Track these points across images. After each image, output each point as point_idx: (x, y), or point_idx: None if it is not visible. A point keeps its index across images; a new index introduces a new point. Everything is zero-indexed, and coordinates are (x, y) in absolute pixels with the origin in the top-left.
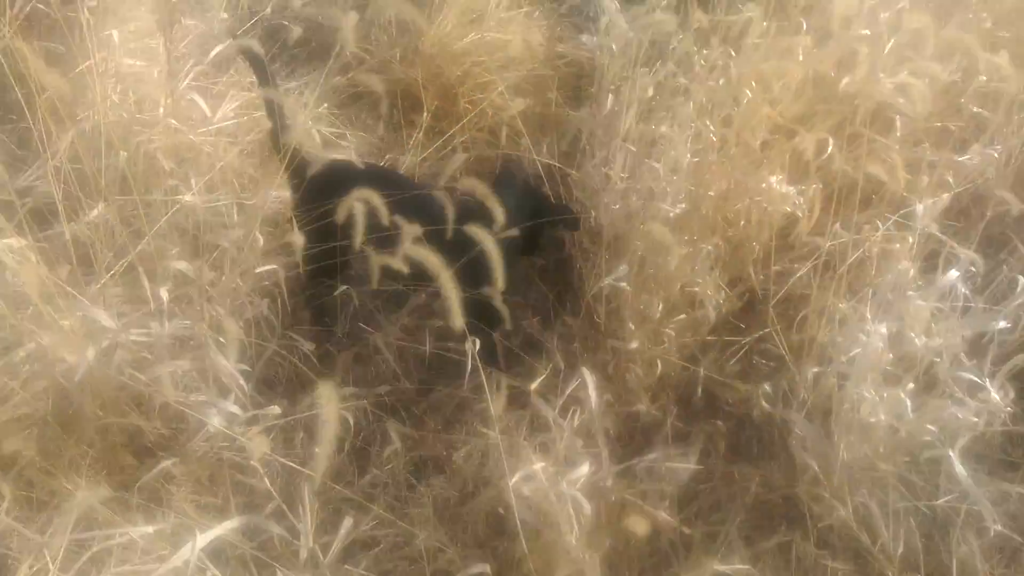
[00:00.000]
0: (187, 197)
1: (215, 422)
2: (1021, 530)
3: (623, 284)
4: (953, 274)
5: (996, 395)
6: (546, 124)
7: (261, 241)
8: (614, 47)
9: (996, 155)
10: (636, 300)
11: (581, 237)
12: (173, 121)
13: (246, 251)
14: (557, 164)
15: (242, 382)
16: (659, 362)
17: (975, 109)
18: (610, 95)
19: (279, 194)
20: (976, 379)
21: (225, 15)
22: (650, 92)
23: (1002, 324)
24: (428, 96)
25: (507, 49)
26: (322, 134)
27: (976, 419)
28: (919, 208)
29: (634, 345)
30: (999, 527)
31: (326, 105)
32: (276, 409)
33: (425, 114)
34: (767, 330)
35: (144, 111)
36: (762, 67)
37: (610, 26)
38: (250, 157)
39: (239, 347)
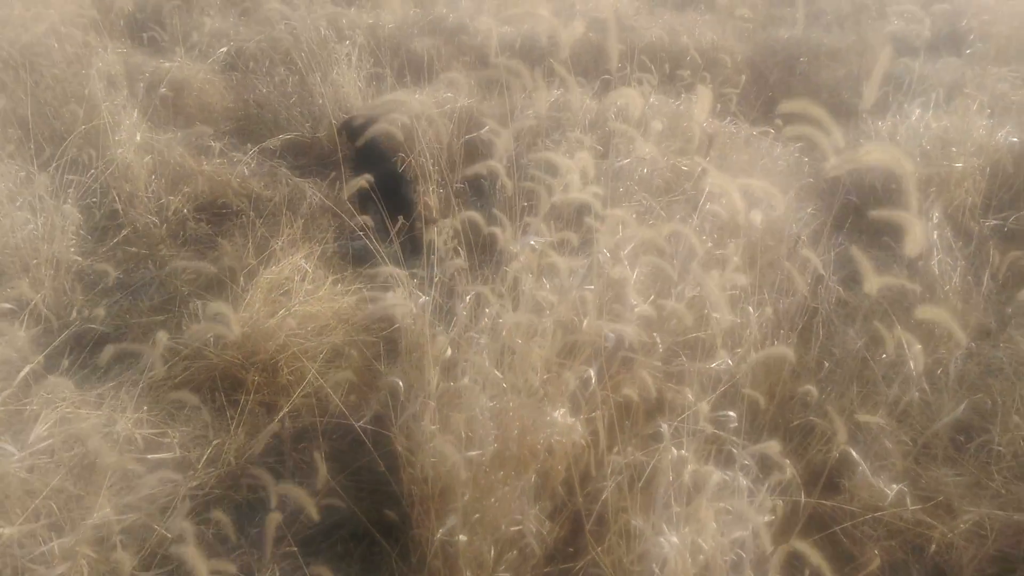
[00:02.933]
0: (3, 530)
1: None
2: None
3: (459, 537)
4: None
5: None
6: (366, 385)
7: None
8: (414, 309)
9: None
10: (470, 549)
11: (411, 487)
12: None
13: None
14: (378, 429)
15: None
16: None
17: (716, 316)
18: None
19: (102, 514)
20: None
21: (22, 333)
22: (448, 352)
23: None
24: (249, 374)
25: (318, 319)
26: (144, 438)
27: None
28: (699, 411)
29: None
30: None
31: (145, 408)
32: None
33: (246, 395)
34: (590, 556)
35: None
36: (523, 319)
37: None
38: (71, 475)
39: None
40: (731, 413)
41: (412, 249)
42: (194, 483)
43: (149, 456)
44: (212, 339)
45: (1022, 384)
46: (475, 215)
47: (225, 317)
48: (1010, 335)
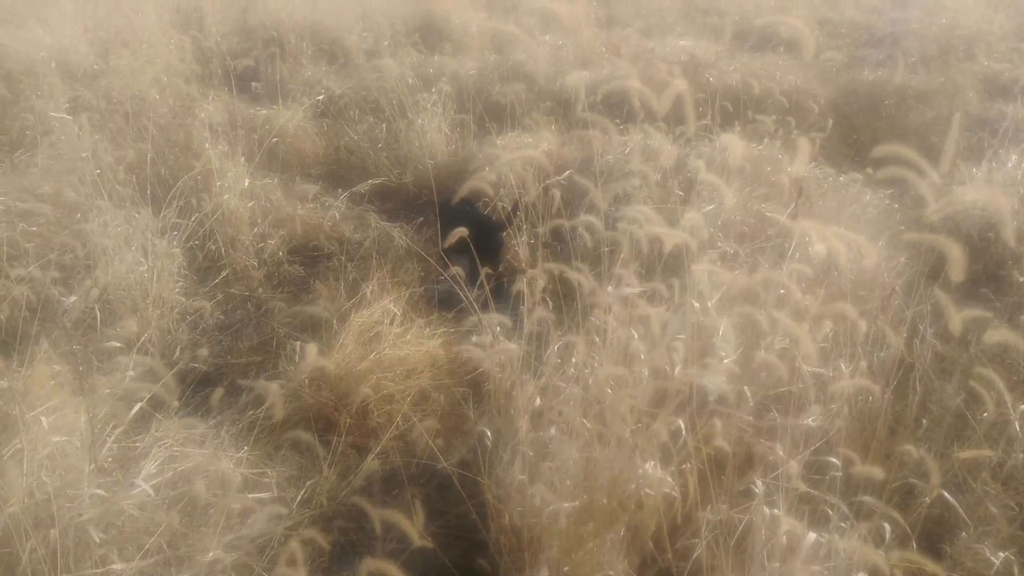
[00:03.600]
0: (117, 566)
1: None
2: None
3: None
4: (811, 536)
5: None
6: (453, 429)
7: None
8: (502, 356)
9: (833, 411)
10: None
11: (499, 536)
12: (99, 491)
13: None
14: (466, 473)
15: None
16: None
17: (810, 369)
18: (504, 398)
19: (213, 553)
20: None
21: (131, 372)
22: (537, 401)
23: None
24: (341, 415)
25: (407, 362)
26: (244, 476)
27: None
28: (789, 469)
29: None
30: None
31: (246, 448)
32: None
33: (338, 436)
34: None
35: (70, 484)
36: (614, 370)
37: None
38: (178, 511)
39: None
40: (833, 459)
41: (500, 297)
42: (289, 523)
43: (249, 495)
44: (307, 380)
45: None
46: (563, 266)
47: (321, 360)
48: None
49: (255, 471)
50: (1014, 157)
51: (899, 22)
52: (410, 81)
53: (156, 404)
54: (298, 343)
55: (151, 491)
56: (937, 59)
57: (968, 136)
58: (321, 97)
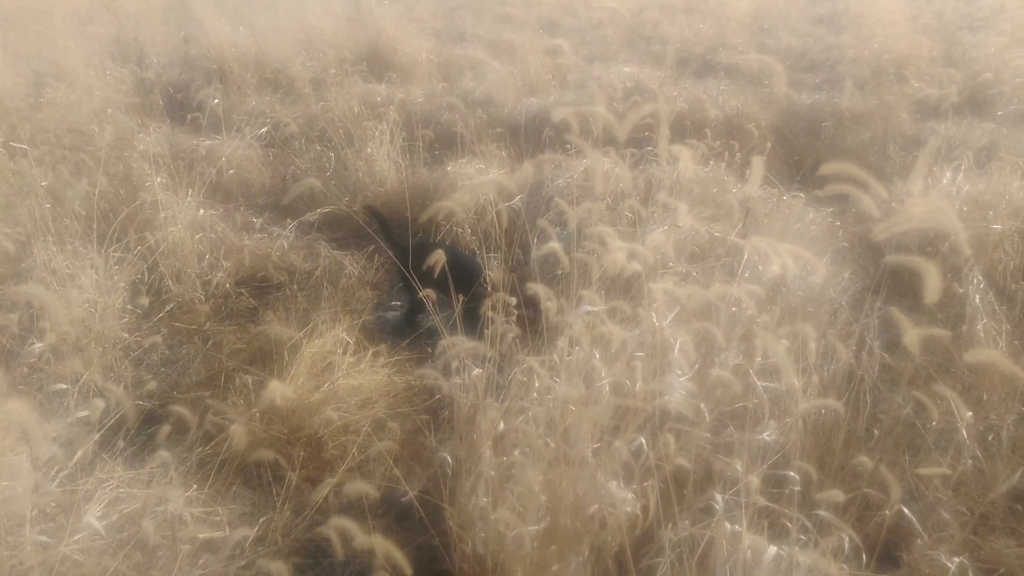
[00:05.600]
0: None
1: None
2: None
3: None
4: (772, 550)
5: None
6: (412, 457)
7: None
8: (459, 381)
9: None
10: None
11: (462, 565)
12: (42, 537)
13: None
14: (428, 498)
15: None
16: None
17: (763, 384)
18: (466, 424)
19: None
20: None
21: (85, 412)
22: (501, 426)
23: None
24: (295, 449)
25: (362, 391)
26: (194, 515)
27: None
28: (748, 483)
29: None
30: None
31: (194, 486)
32: None
33: (292, 471)
34: None
35: (11, 532)
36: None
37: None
38: (126, 555)
39: None
40: (791, 472)
41: (467, 322)
42: (243, 562)
43: (200, 536)
44: (258, 415)
45: None
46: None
47: (272, 393)
48: None
49: (205, 510)
50: (948, 174)
51: (834, 47)
52: (357, 110)
53: (101, 445)
54: (249, 377)
55: (101, 530)
56: (871, 82)
57: (903, 155)
58: (266, 128)
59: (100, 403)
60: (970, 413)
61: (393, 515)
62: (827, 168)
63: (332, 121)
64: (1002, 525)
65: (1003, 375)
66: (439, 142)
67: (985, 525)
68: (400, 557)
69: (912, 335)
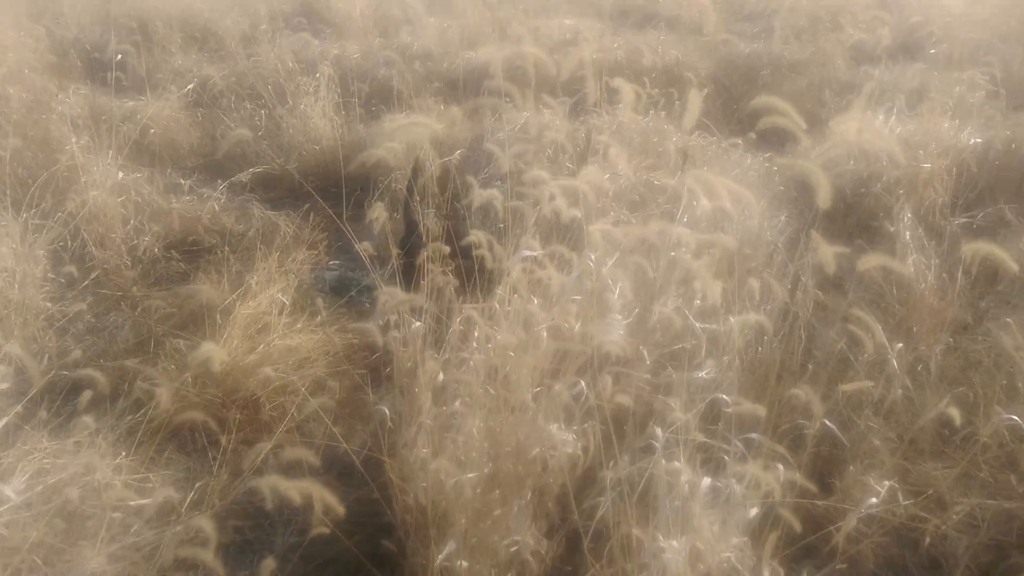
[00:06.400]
0: None
1: None
2: None
3: (459, 562)
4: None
5: None
6: (353, 414)
7: None
8: (398, 335)
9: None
10: (470, 573)
11: (405, 516)
12: None
13: None
14: (371, 454)
15: None
16: None
17: (701, 325)
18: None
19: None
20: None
21: (4, 384)
22: (441, 377)
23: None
24: (230, 412)
25: (299, 351)
26: (125, 483)
27: None
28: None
29: None
30: None
31: (124, 453)
32: None
33: (228, 434)
34: (591, 572)
35: None
36: (514, 336)
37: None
38: (52, 525)
39: None
40: (724, 397)
41: (405, 275)
42: (178, 528)
43: (131, 503)
44: (191, 379)
45: (1001, 375)
46: (466, 234)
47: (204, 355)
48: (987, 328)
49: (137, 476)
50: (881, 116)
51: None
52: (290, 65)
53: (25, 417)
54: (180, 341)
55: (20, 502)
56: (807, 30)
57: (838, 100)
58: (191, 86)
59: (14, 372)
60: (900, 344)
61: (335, 472)
62: (757, 102)
63: (263, 77)
64: (930, 449)
65: (931, 307)
66: (376, 98)
67: (914, 450)
68: (336, 505)
69: (827, 252)
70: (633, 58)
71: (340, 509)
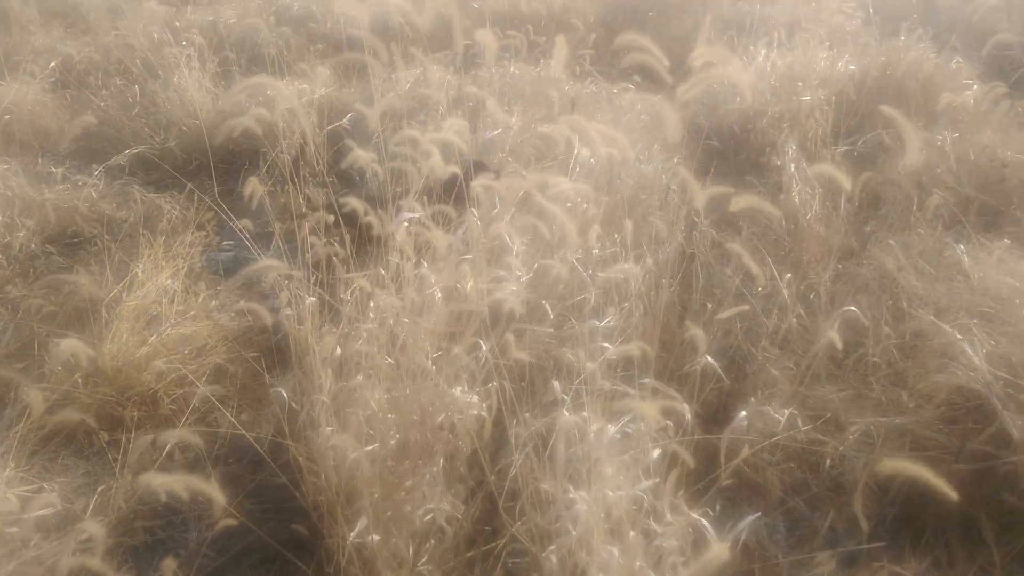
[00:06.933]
0: None
1: None
2: None
3: (370, 537)
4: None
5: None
6: (257, 401)
7: None
8: (291, 312)
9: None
10: (385, 548)
11: (316, 497)
12: None
13: None
14: (274, 439)
15: None
16: None
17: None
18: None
19: None
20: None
21: None
22: (338, 351)
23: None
24: (127, 410)
25: (195, 339)
26: (19, 496)
27: None
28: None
29: None
30: None
31: (12, 465)
32: None
33: (127, 433)
34: (510, 531)
35: None
36: (405, 301)
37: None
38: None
39: None
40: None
41: (293, 250)
42: (83, 536)
43: (26, 516)
44: (80, 380)
45: (887, 297)
46: (349, 202)
47: (89, 354)
48: (871, 252)
49: (30, 488)
50: (763, 51)
51: None
52: (157, 36)
53: None
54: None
55: None
56: None
57: (722, 36)
58: (54, 64)
59: None
60: (789, 275)
61: (245, 462)
62: (623, 39)
63: (131, 51)
64: (826, 374)
65: (818, 236)
66: (257, 64)
67: (811, 376)
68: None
69: (700, 198)
70: (516, 5)
71: (222, 500)
